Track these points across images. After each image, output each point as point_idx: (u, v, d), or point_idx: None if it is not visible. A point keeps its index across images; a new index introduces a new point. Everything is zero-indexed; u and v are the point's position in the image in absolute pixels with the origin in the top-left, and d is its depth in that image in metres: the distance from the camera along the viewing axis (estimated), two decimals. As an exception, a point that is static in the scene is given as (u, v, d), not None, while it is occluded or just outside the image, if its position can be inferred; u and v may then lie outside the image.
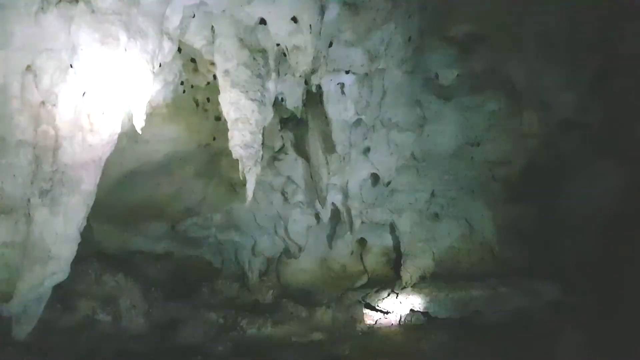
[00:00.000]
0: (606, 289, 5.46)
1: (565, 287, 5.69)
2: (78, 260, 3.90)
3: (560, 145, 5.60)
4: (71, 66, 3.03)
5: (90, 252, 5.30)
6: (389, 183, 5.68)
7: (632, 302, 5.03)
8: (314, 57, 3.65)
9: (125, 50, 3.05)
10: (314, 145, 5.18)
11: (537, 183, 5.90)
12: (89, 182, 3.27)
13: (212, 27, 3.64)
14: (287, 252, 6.96)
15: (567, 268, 5.85)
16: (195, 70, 4.67)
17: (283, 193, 6.27)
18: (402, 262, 6.47)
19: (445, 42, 4.86)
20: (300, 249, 6.83)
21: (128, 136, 4.57)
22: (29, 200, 3.01)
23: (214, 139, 5.67)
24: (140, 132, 3.18)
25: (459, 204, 6.23)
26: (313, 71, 3.84)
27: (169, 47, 3.45)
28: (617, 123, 5.38)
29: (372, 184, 5.96)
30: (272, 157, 5.98)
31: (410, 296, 6.06)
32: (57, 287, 3.66)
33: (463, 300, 5.79)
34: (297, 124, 5.56)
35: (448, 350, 5.16)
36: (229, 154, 3.87)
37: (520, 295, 5.70)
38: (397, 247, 6.82)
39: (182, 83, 4.96)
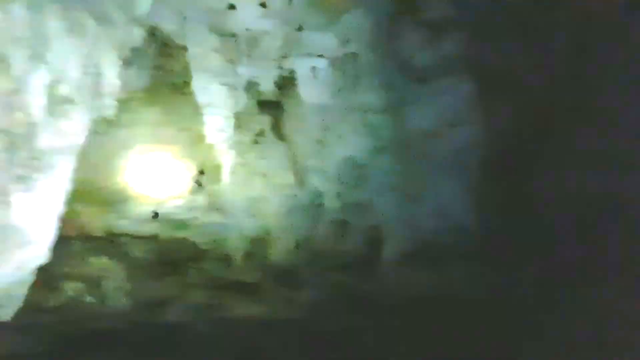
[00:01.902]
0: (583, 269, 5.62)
1: (542, 266, 5.84)
2: (63, 243, 4.03)
3: (536, 126, 5.70)
4: (43, 54, 3.10)
5: (75, 234, 5.43)
6: (365, 165, 5.79)
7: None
8: (284, 42, 3.72)
9: (94, 37, 3.11)
10: (291, 128, 5.28)
11: (514, 164, 6.01)
12: (65, 168, 3.36)
13: (181, 12, 3.70)
14: (269, 233, 7.10)
15: (544, 248, 5.99)
16: (170, 55, 4.73)
17: (263, 175, 6.38)
18: (381, 242, 6.62)
19: (418, 25, 4.92)
20: (282, 230, 6.97)
21: (106, 121, 4.66)
22: (5, 186, 3.10)
23: (193, 122, 5.76)
24: (112, 117, 3.27)
25: (437, 185, 6.35)
26: (285, 55, 3.91)
27: (139, 32, 3.51)
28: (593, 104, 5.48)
29: (349, 166, 6.07)
30: (251, 140, 6.07)
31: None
32: (43, 270, 3.78)
33: (443, 280, 5.94)
34: (275, 108, 5.65)
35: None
36: (209, 136, 3.99)
37: (499, 273, 5.85)
38: (377, 227, 6.96)
39: (158, 67, 5.03)
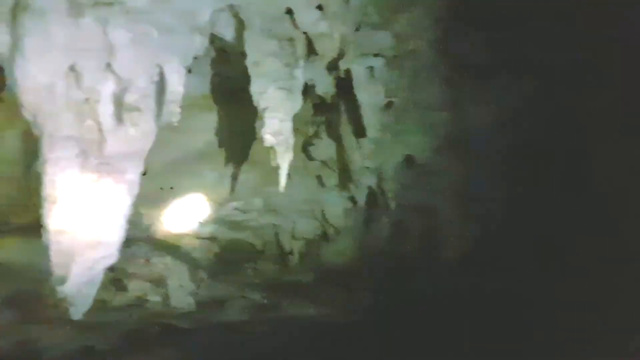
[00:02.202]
0: None
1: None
2: (129, 244, 4.20)
3: (600, 126, 5.39)
4: (109, 65, 3.24)
5: (140, 236, 5.66)
6: (424, 165, 5.66)
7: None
8: (340, 43, 3.70)
9: (158, 47, 3.22)
10: (346, 129, 5.25)
11: (578, 164, 5.73)
12: (133, 173, 3.50)
13: (241, 19, 3.76)
14: (326, 235, 7.11)
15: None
16: (228, 61, 4.83)
17: (319, 177, 6.40)
18: (441, 243, 6.47)
19: (480, 23, 4.76)
20: (338, 232, 6.96)
21: (169, 126, 4.83)
22: (78, 190, 3.27)
23: (250, 126, 5.86)
24: (176, 124, 3.37)
25: (497, 185, 6.13)
26: (341, 56, 3.89)
27: (200, 41, 3.60)
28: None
29: (407, 166, 5.97)
30: (306, 142, 6.10)
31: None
32: (110, 270, 3.97)
33: (501, 285, 5.74)
34: (330, 109, 5.64)
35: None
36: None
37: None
38: (435, 228, 6.81)
39: (217, 74, 5.16)
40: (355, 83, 4.54)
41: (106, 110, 3.34)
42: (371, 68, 4.46)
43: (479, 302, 5.82)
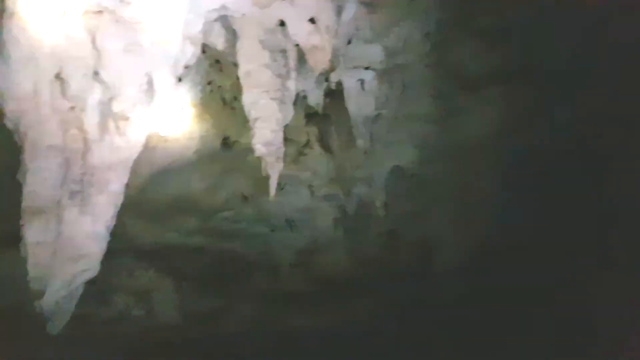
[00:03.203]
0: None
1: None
2: (112, 256, 4.10)
3: (593, 134, 5.41)
4: (97, 73, 3.18)
5: (124, 248, 5.55)
6: (413, 175, 5.68)
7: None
8: (332, 56, 3.69)
9: (148, 56, 3.17)
10: (337, 140, 5.26)
11: (570, 173, 5.74)
12: (117, 183, 3.43)
13: (234, 29, 3.73)
14: (317, 244, 7.06)
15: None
16: (221, 70, 4.80)
17: (310, 187, 6.37)
18: (433, 252, 6.48)
19: (469, 35, 4.78)
20: (329, 241, 6.92)
21: (158, 135, 4.76)
22: (59, 201, 3.19)
23: (242, 135, 5.81)
24: (165, 133, 3.31)
25: (489, 195, 6.15)
26: (332, 69, 3.88)
27: (192, 51, 3.56)
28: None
29: (397, 177, 5.98)
30: (298, 152, 6.07)
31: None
32: (92, 283, 3.86)
33: (493, 292, 5.73)
34: (322, 120, 5.63)
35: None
36: (255, 150, 3.99)
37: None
38: (428, 237, 6.80)
39: (209, 83, 5.12)
40: (346, 95, 4.55)
41: (92, 119, 3.28)
42: (362, 81, 4.47)
43: (472, 309, 5.83)
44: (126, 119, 3.34)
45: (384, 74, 4.40)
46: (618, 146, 5.41)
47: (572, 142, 5.54)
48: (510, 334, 5.12)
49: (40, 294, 3.10)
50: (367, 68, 4.31)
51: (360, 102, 4.58)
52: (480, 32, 4.83)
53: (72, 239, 3.21)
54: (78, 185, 3.24)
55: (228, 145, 5.96)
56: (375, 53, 4.15)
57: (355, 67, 4.28)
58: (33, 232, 3.07)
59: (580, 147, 5.56)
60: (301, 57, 3.83)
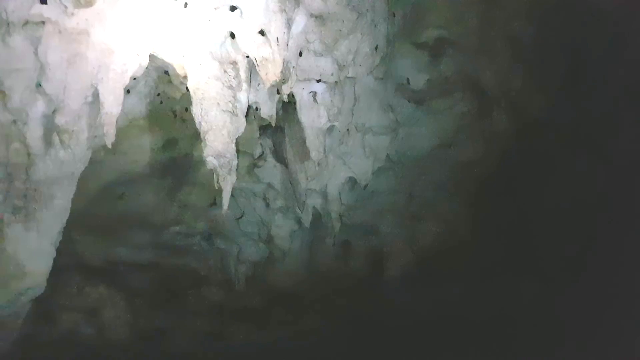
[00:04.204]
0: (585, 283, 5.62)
1: (544, 283, 5.82)
2: (59, 273, 3.96)
3: (532, 144, 5.72)
4: (40, 85, 3.09)
5: (72, 264, 5.35)
6: (366, 186, 5.80)
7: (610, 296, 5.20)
8: (283, 68, 3.72)
9: (93, 68, 3.11)
10: (291, 151, 5.29)
11: (512, 182, 6.02)
12: (63, 198, 3.34)
13: (183, 41, 3.70)
14: (272, 257, 7.04)
15: (546, 264, 5.98)
16: (170, 82, 4.75)
17: (264, 199, 6.36)
18: (383, 262, 6.60)
19: (415, 48, 4.98)
20: (284, 254, 6.91)
21: (105, 149, 4.63)
22: (2, 217, 3.06)
23: (194, 148, 5.74)
24: (110, 146, 3.25)
25: (437, 204, 6.36)
26: (284, 81, 3.91)
27: (139, 62, 3.50)
28: (588, 123, 5.51)
29: (350, 188, 6.08)
30: (252, 164, 6.06)
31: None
32: (38, 301, 3.71)
33: (443, 299, 5.91)
34: (275, 132, 5.66)
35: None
36: (208, 162, 3.95)
37: (499, 292, 5.82)
38: (380, 248, 6.93)
39: (158, 94, 5.04)
40: (298, 107, 4.59)
41: (35, 132, 3.18)
42: (314, 93, 4.53)
43: (425, 319, 5.99)
44: (71, 132, 3.25)
45: (335, 86, 4.47)
46: (559, 152, 5.75)
47: (515, 151, 5.84)
48: (458, 340, 5.31)
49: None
50: (318, 80, 4.36)
51: (312, 114, 4.63)
52: (426, 46, 5.05)
53: (17, 256, 3.09)
54: (22, 201, 3.13)
55: (179, 158, 5.87)
56: (326, 65, 4.21)
57: (306, 80, 4.33)
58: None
59: (522, 155, 5.87)
60: (252, 69, 3.84)
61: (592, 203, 5.63)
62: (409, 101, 5.44)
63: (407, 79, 5.25)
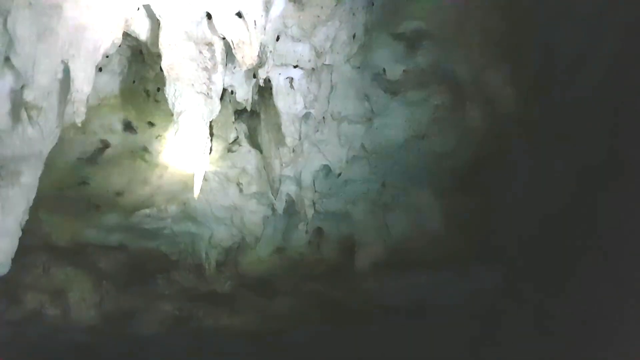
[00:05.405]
0: (548, 275, 5.83)
1: (508, 272, 6.01)
2: (25, 253, 3.88)
3: (503, 138, 5.83)
4: (8, 59, 3.00)
5: (38, 244, 5.24)
6: (340, 174, 5.83)
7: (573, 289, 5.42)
8: (259, 51, 3.69)
9: (64, 43, 3.03)
10: (266, 137, 5.26)
11: (482, 174, 6.15)
12: (30, 176, 3.26)
13: (158, 19, 3.63)
14: (244, 243, 7.03)
15: (510, 255, 6.16)
16: (144, 61, 4.65)
17: (238, 184, 6.32)
18: (355, 250, 6.68)
19: (392, 38, 4.99)
20: (257, 239, 6.91)
21: (75, 127, 4.53)
22: (-35, 194, 2.97)
23: (167, 129, 5.66)
24: (80, 125, 3.18)
25: (409, 194, 6.45)
26: (260, 65, 3.89)
27: (111, 39, 3.42)
28: (558, 119, 5.65)
29: (324, 176, 6.10)
30: (226, 149, 6.01)
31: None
32: (3, 281, 3.63)
33: (412, 287, 6.04)
34: (251, 116, 5.62)
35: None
36: (182, 145, 3.89)
37: (466, 281, 5.98)
38: (352, 235, 7.00)
39: (131, 74, 4.94)
40: (274, 92, 4.56)
41: (2, 107, 3.09)
42: (290, 79, 4.51)
43: (394, 304, 6.11)
44: (39, 108, 3.16)
45: (312, 73, 4.46)
46: (529, 147, 5.89)
47: (486, 144, 5.95)
48: (424, 325, 5.45)
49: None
50: (295, 66, 4.35)
51: (289, 100, 4.61)
52: (403, 37, 5.07)
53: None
54: (-15, 178, 3.04)
55: (152, 139, 5.78)
56: (303, 51, 4.20)
57: (283, 65, 4.31)
58: None
59: (492, 148, 5.99)
60: (229, 51, 3.79)
61: (559, 197, 5.83)
62: (384, 91, 5.47)
63: (384, 69, 5.27)
